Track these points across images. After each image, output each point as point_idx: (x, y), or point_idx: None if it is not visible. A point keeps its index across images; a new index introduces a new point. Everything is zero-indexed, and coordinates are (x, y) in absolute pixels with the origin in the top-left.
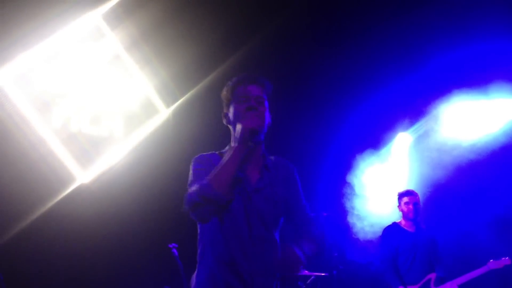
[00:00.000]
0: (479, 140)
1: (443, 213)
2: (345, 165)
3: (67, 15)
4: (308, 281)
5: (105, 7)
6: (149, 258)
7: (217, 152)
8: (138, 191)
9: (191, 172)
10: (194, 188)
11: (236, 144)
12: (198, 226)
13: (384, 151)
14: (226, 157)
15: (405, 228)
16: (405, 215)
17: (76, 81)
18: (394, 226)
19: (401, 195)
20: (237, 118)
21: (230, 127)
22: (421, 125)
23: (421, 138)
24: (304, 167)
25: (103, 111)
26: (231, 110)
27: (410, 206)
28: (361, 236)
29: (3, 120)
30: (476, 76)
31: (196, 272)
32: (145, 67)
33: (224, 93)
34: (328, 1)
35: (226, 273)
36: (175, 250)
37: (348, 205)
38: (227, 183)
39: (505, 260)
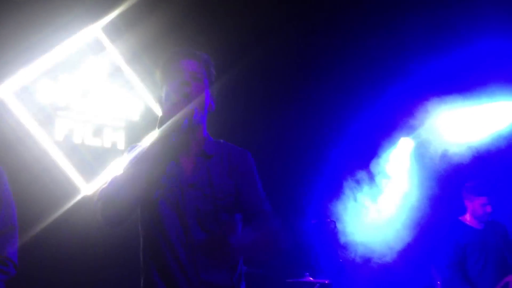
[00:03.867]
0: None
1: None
2: (342, 173)
3: (68, 28)
4: None
5: (105, 20)
6: None
7: None
8: None
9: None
10: (104, 187)
11: (155, 139)
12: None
13: (383, 159)
14: (134, 159)
15: (472, 225)
16: (472, 212)
17: (78, 93)
18: (458, 223)
19: (471, 189)
20: (167, 97)
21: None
22: (420, 132)
23: (421, 145)
24: (301, 175)
25: (105, 123)
26: (164, 90)
27: (487, 207)
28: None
29: (6, 133)
30: (472, 79)
31: None
32: (146, 79)
33: (157, 73)
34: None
35: None
36: None
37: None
38: (127, 201)
39: None
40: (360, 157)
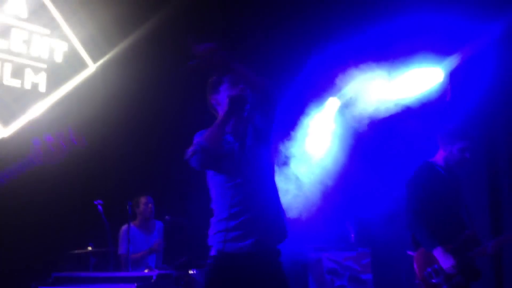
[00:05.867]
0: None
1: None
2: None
3: None
4: None
5: None
6: (73, 215)
7: None
8: None
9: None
10: (194, 142)
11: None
12: (210, 189)
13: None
14: (217, 120)
15: (442, 170)
16: (448, 156)
17: None
18: (428, 166)
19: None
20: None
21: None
22: (346, 92)
23: (345, 106)
24: None
25: (26, 63)
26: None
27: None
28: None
29: None
30: (399, 46)
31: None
32: (71, 19)
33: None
34: None
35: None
36: (100, 207)
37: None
38: (216, 137)
39: None
40: (286, 117)
